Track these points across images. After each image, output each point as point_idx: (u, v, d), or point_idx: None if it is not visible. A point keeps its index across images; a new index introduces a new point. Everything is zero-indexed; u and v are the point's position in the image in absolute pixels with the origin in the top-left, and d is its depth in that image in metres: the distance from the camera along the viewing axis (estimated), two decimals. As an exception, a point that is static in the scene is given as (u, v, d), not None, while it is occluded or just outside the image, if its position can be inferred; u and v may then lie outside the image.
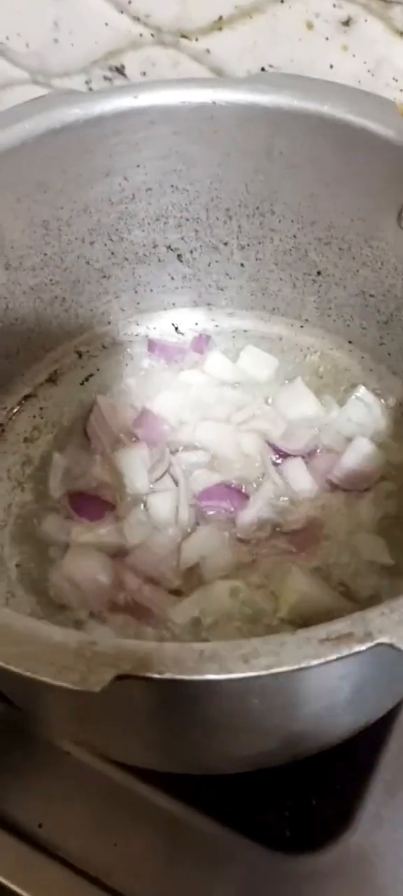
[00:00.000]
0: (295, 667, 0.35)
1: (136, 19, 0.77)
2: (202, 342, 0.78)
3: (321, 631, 0.36)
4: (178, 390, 0.74)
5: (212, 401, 0.73)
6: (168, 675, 0.35)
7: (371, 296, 0.69)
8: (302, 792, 0.57)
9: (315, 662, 0.35)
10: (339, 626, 0.36)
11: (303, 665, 0.35)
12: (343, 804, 0.57)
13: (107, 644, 0.36)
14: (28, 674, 0.35)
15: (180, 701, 0.40)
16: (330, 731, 0.50)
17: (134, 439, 0.70)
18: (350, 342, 0.74)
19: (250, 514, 0.64)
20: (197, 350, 0.77)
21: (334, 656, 0.35)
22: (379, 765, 0.58)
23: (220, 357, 0.76)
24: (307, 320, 0.76)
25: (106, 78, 0.84)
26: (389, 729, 0.59)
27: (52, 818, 0.57)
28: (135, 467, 0.68)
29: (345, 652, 0.35)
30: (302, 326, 0.77)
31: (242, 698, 0.40)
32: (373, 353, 0.73)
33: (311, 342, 0.76)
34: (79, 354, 0.77)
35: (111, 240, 0.72)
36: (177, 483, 0.67)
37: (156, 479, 0.67)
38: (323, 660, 0.35)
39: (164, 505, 0.66)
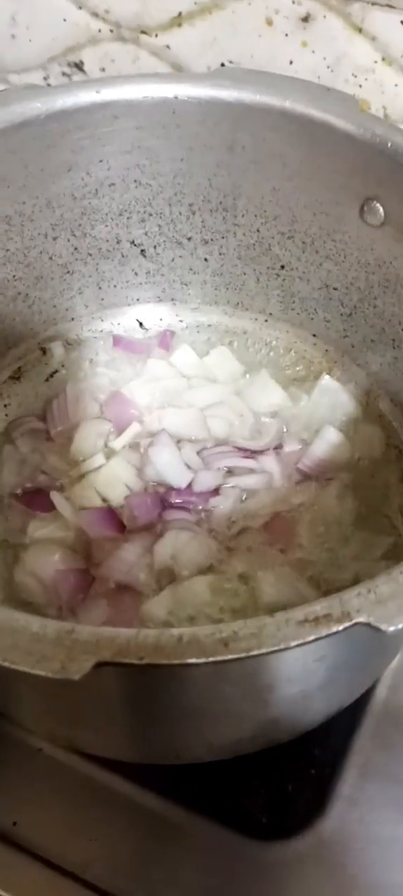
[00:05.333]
0: (275, 648, 0.35)
1: (95, 15, 0.77)
2: (167, 338, 0.78)
3: (299, 613, 0.36)
4: (147, 381, 0.74)
5: (180, 390, 0.73)
6: (148, 661, 0.35)
7: (335, 289, 0.70)
8: (277, 778, 0.58)
9: (294, 643, 0.35)
10: (317, 607, 0.36)
11: (282, 646, 0.35)
12: (317, 789, 0.58)
13: (86, 632, 0.36)
14: (6, 664, 0.35)
15: (159, 688, 0.40)
16: (306, 716, 0.50)
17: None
18: (314, 335, 0.75)
19: (222, 509, 0.64)
20: (162, 346, 0.77)
21: (312, 637, 0.35)
22: (352, 749, 0.59)
23: (188, 351, 0.76)
24: (271, 314, 0.77)
25: (64, 74, 0.83)
26: (362, 713, 0.60)
27: (27, 816, 0.57)
28: (90, 436, 0.69)
29: (324, 632, 0.36)
30: (266, 320, 0.77)
31: (221, 683, 0.41)
32: (337, 346, 0.74)
33: (276, 336, 0.77)
34: (43, 351, 0.77)
35: (74, 235, 0.71)
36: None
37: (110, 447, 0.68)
38: (301, 640, 0.35)
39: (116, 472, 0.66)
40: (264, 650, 0.35)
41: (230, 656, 0.35)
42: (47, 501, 0.66)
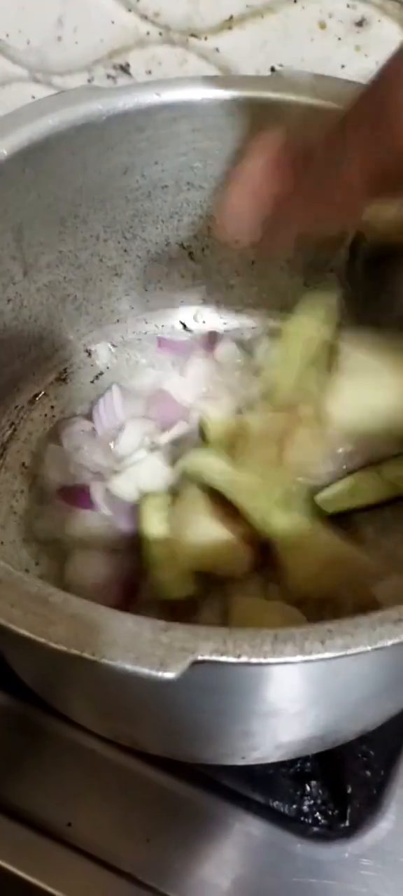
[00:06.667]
0: (370, 647, 0.36)
1: (144, 17, 0.77)
2: (211, 340, 0.78)
3: (393, 613, 0.36)
4: (190, 379, 0.74)
5: (223, 385, 0.74)
6: (244, 659, 0.35)
7: (385, 291, 0.70)
8: (334, 780, 0.58)
9: (390, 642, 0.36)
10: (411, 606, 0.37)
11: (379, 645, 0.35)
12: (373, 790, 0.58)
13: (182, 629, 0.36)
14: (105, 661, 0.35)
15: (244, 687, 0.41)
16: (374, 714, 0.51)
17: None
18: (360, 338, 0.75)
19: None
20: (206, 348, 0.77)
21: (409, 636, 0.36)
22: (407, 750, 0.60)
23: (232, 347, 0.76)
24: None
25: (109, 76, 0.84)
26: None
27: (82, 816, 0.57)
28: (135, 435, 0.69)
29: (420, 631, 0.36)
30: (311, 323, 0.78)
31: (305, 682, 0.41)
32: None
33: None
34: (89, 353, 0.77)
35: (125, 237, 0.72)
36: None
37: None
38: (397, 640, 0.36)
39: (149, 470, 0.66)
40: (361, 648, 0.35)
41: (327, 654, 0.35)
42: (89, 498, 0.66)
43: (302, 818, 0.57)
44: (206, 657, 0.35)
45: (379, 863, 0.55)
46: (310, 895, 0.54)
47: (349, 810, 0.57)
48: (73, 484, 0.68)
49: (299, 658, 0.35)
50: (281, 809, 0.58)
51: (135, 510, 0.64)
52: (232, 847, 0.56)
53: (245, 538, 0.59)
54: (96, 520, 0.65)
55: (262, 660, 0.35)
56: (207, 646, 0.35)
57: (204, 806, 0.57)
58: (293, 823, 0.57)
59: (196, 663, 0.35)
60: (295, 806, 0.58)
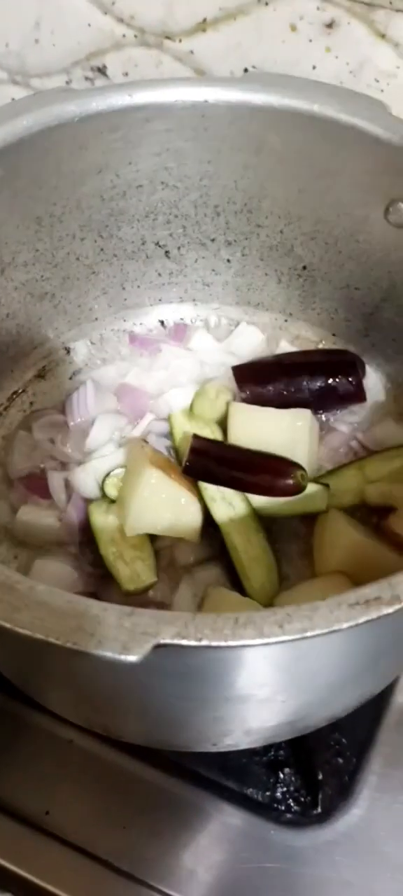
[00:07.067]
0: (327, 630, 0.37)
1: (120, 20, 0.78)
2: (181, 330, 0.79)
3: (350, 596, 0.38)
4: (159, 369, 0.76)
5: (192, 371, 0.76)
6: (205, 642, 0.36)
7: (357, 289, 0.72)
8: (307, 767, 0.59)
9: (346, 625, 0.37)
10: (367, 591, 0.38)
11: (335, 628, 0.37)
12: (345, 778, 0.59)
13: (146, 614, 0.37)
14: (70, 645, 0.36)
15: (210, 671, 0.42)
16: (344, 700, 0.52)
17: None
18: (334, 335, 0.77)
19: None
20: (176, 339, 0.79)
21: (364, 619, 0.37)
22: (378, 739, 0.61)
23: (205, 335, 0.78)
24: (291, 314, 0.78)
25: (87, 78, 0.84)
26: (386, 703, 0.61)
27: (60, 805, 0.58)
28: (106, 428, 0.71)
29: (374, 615, 0.37)
30: (286, 320, 0.79)
31: (269, 666, 0.42)
32: (357, 345, 0.75)
33: (296, 335, 0.78)
34: (67, 350, 0.78)
35: (101, 236, 0.72)
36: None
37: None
38: (353, 622, 0.37)
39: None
40: (318, 632, 0.36)
41: (285, 637, 0.36)
42: (47, 488, 0.68)
43: (276, 805, 0.58)
44: (168, 641, 0.36)
45: (352, 849, 0.56)
46: (284, 880, 0.55)
47: (321, 797, 0.58)
48: (36, 472, 0.69)
49: (258, 641, 0.36)
50: (255, 797, 0.59)
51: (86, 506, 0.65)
52: (207, 834, 0.57)
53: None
54: (49, 510, 0.66)
55: (222, 643, 0.36)
56: (169, 630, 0.36)
57: (180, 794, 0.58)
58: (266, 810, 0.58)
59: (158, 647, 0.36)
60: (268, 793, 0.59)
